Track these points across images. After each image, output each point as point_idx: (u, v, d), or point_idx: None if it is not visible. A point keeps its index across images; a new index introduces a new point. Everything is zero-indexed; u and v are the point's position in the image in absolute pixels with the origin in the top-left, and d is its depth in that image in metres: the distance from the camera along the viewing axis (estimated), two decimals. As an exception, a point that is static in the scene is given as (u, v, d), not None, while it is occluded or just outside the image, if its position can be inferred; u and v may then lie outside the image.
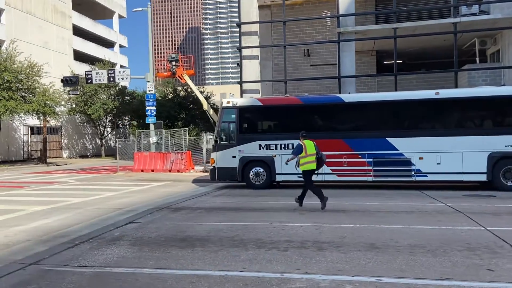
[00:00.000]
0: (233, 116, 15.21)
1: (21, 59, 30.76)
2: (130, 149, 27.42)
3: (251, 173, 15.00)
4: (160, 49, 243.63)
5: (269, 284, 4.85)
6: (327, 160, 14.33)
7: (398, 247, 6.37)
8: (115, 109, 42.36)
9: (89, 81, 23.53)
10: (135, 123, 52.64)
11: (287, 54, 26.50)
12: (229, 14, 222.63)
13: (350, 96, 15.18)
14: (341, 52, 21.28)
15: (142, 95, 51.48)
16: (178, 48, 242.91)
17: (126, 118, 49.61)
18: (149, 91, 23.70)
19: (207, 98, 61.29)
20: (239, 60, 22.76)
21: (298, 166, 10.61)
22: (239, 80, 22.54)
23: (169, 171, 21.78)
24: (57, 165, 33.29)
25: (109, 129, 47.61)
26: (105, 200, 12.34)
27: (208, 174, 20.42)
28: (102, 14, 55.83)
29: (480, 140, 13.37)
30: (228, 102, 15.39)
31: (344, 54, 21.30)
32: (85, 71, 24.97)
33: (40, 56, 34.93)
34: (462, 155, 13.41)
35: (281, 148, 14.77)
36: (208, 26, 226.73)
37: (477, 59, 22.75)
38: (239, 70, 22.93)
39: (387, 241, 6.80)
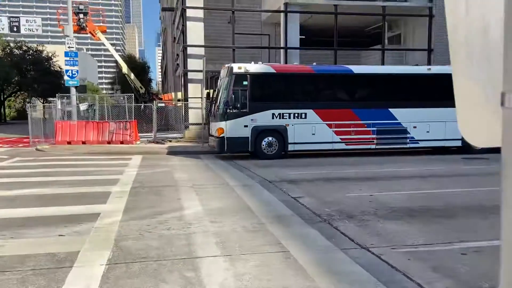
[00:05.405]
0: (245, 83, 14.30)
1: None
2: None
3: (263, 143, 14.48)
4: None
5: None
6: (336, 129, 15.07)
7: None
8: None
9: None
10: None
11: (211, 20, 25.48)
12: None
13: (359, 68, 15.85)
14: (288, 24, 21.60)
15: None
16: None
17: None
18: (69, 47, 19.80)
19: (49, 59, 53.50)
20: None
21: None
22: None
23: (108, 142, 18.93)
24: None
25: None
26: (165, 179, 10.48)
27: (155, 144, 18.43)
28: None
29: (458, 111, 15.78)
30: (239, 68, 14.33)
31: (290, 26, 21.71)
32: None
33: None
34: (445, 124, 15.64)
35: (294, 118, 14.63)
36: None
37: (386, 40, 25.90)
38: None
39: None
